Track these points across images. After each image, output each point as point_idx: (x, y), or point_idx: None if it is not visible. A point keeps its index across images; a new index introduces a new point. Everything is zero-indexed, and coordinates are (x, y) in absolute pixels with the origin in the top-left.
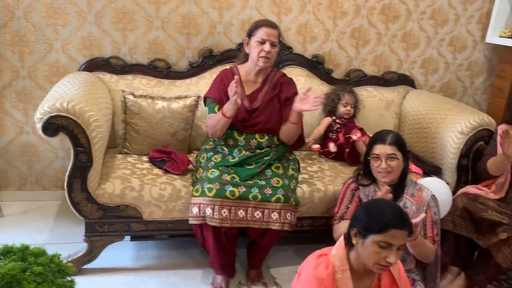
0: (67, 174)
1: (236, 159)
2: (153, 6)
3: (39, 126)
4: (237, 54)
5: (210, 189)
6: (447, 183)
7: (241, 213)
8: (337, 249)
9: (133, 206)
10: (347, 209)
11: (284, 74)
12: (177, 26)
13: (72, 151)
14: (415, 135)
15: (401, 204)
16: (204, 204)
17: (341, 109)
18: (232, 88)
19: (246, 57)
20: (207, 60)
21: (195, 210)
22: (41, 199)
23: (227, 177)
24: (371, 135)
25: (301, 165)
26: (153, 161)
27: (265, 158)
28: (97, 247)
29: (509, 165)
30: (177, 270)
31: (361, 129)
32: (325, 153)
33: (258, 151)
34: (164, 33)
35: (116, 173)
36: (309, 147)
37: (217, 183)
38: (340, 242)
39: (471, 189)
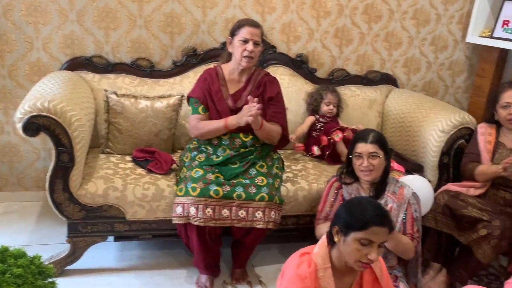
0: (48, 174)
1: (220, 158)
2: (136, 4)
3: (19, 126)
4: (221, 53)
5: (194, 189)
6: (429, 181)
7: (225, 212)
8: (320, 247)
9: (116, 206)
10: (331, 208)
11: (268, 73)
12: (160, 25)
13: (53, 151)
14: (397, 134)
15: (382, 201)
16: (188, 203)
17: (324, 108)
18: (251, 109)
19: (229, 56)
20: (191, 59)
21: (179, 209)
22: (22, 200)
23: (211, 176)
24: (354, 127)
25: (286, 163)
26: (136, 161)
27: (249, 157)
28: (80, 248)
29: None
30: (161, 270)
31: (342, 129)
32: (309, 154)
33: (242, 150)
34: (147, 32)
35: (98, 173)
36: (293, 145)
37: (201, 183)
38: (323, 240)
39: (452, 186)
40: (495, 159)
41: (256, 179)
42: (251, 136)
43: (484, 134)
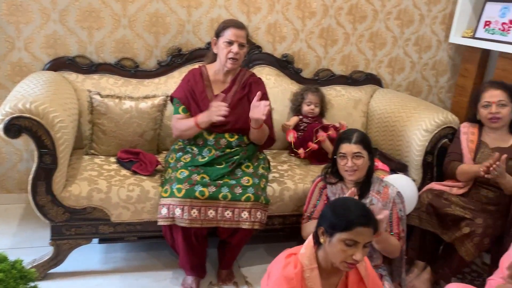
0: (31, 176)
1: (206, 158)
2: (120, 4)
3: (0, 127)
4: (206, 53)
5: (179, 190)
6: (413, 180)
7: (211, 213)
8: (306, 248)
9: (101, 208)
10: (315, 208)
11: (253, 74)
12: (145, 24)
13: (36, 153)
14: (382, 133)
15: (367, 201)
16: (173, 205)
17: (305, 108)
18: (220, 109)
19: (214, 57)
20: (176, 59)
21: (164, 211)
22: (4, 203)
23: (196, 177)
24: (336, 124)
25: (272, 164)
26: (120, 162)
27: (235, 158)
28: (64, 250)
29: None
30: (147, 272)
31: (324, 127)
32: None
33: (228, 150)
34: (132, 32)
35: (82, 175)
36: (287, 130)
37: (186, 184)
38: (309, 241)
39: (435, 185)
40: (478, 158)
41: (242, 180)
42: (236, 136)
43: (467, 134)
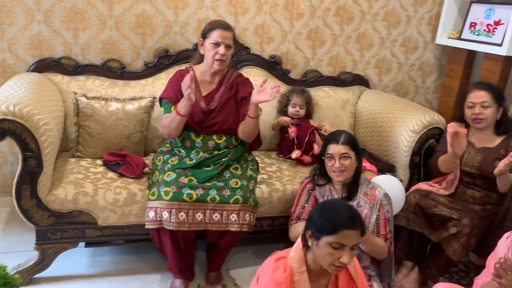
0: (15, 180)
1: (194, 161)
2: (106, 5)
3: None
4: (193, 54)
5: (166, 193)
6: (401, 180)
7: (199, 216)
8: (295, 251)
9: (87, 211)
10: (303, 209)
11: (241, 74)
12: (131, 25)
13: (20, 156)
14: (369, 134)
15: (355, 202)
16: (160, 208)
17: (290, 109)
18: (186, 83)
19: (201, 58)
20: (163, 60)
21: (151, 214)
22: None
23: (184, 180)
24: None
25: (260, 165)
26: (107, 165)
27: (223, 159)
28: (50, 255)
29: (458, 162)
30: (135, 276)
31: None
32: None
33: (216, 152)
34: (118, 33)
35: (68, 178)
36: (283, 121)
37: (174, 186)
38: (298, 244)
39: (423, 185)
40: (464, 158)
41: (230, 182)
42: (224, 138)
43: None
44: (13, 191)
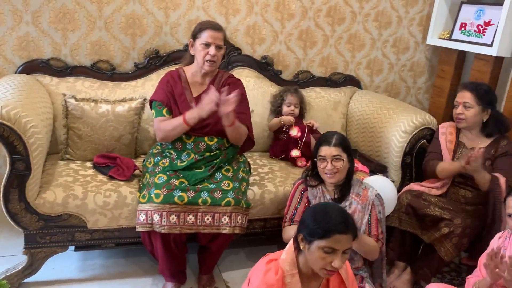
0: (2, 183)
1: (185, 163)
2: (95, 5)
3: None
4: (184, 55)
5: (157, 195)
6: (392, 181)
7: (190, 218)
8: (287, 253)
9: (77, 215)
10: (296, 210)
11: (232, 75)
12: (121, 26)
13: (8, 159)
14: (361, 135)
15: (347, 203)
16: (151, 210)
17: (285, 109)
18: (212, 98)
19: (192, 58)
20: (154, 61)
21: (142, 217)
22: None
23: (175, 182)
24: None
25: (252, 166)
26: (97, 167)
27: (215, 161)
28: (39, 259)
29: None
30: (126, 279)
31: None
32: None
33: (207, 154)
34: (108, 34)
35: (57, 181)
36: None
37: (164, 189)
38: (290, 246)
39: (414, 186)
40: (456, 158)
41: (222, 184)
42: (216, 140)
43: (445, 134)
44: (1, 195)
